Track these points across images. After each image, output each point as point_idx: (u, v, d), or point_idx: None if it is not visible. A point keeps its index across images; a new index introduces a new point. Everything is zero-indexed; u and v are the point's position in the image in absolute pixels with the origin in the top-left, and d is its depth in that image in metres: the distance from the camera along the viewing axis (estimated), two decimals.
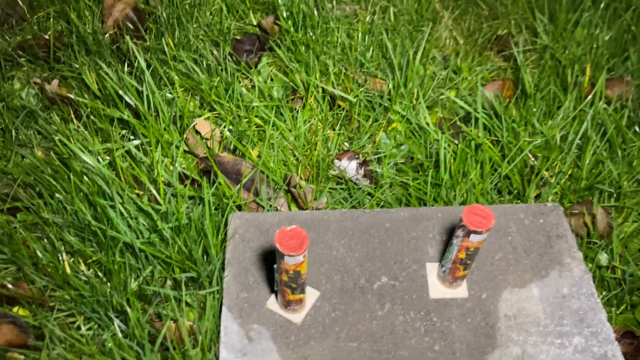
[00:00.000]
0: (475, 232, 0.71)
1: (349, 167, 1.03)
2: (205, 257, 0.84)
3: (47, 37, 1.13)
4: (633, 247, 0.97)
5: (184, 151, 1.00)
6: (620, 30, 1.23)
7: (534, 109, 1.00)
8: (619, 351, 0.78)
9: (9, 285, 0.79)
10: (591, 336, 0.80)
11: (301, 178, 0.99)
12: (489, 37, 1.28)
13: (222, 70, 1.07)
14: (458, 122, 0.99)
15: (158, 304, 0.80)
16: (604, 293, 0.90)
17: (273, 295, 0.82)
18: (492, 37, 1.28)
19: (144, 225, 0.82)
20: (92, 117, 0.95)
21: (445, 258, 0.80)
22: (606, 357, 0.78)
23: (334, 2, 1.26)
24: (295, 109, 1.06)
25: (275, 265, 0.72)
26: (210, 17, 1.24)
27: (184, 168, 0.97)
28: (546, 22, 1.21)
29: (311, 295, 0.83)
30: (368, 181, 1.03)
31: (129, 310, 0.72)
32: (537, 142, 0.94)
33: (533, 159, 0.98)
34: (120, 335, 0.74)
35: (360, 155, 1.04)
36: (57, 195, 0.85)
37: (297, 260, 0.69)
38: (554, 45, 1.15)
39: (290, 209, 0.97)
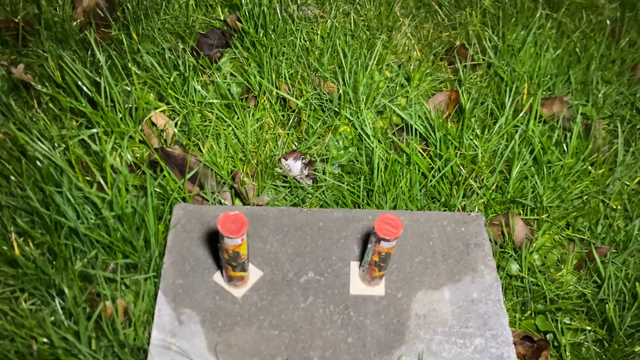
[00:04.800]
0: (385, 240, 0.78)
1: (294, 166, 1.09)
2: (146, 245, 0.91)
3: (16, 20, 1.18)
4: (550, 257, 1.06)
5: (139, 141, 1.06)
6: (567, 51, 1.30)
7: (470, 124, 1.07)
8: (514, 353, 0.87)
9: None
10: (491, 338, 0.88)
11: (247, 174, 1.06)
12: (444, 46, 1.34)
13: (181, 64, 1.12)
14: (390, 134, 1.06)
15: (99, 284, 0.87)
16: (514, 299, 0.98)
17: (219, 271, 0.90)
18: (447, 47, 1.34)
19: (89, 211, 0.89)
20: (51, 104, 1.01)
21: (363, 260, 0.88)
22: (502, 358, 0.86)
23: (298, 3, 1.31)
24: (249, 107, 1.12)
25: (218, 244, 0.80)
26: (179, 9, 1.29)
27: (137, 158, 1.03)
28: (495, 38, 1.28)
29: (254, 274, 0.91)
30: (311, 181, 1.10)
31: (66, 289, 0.79)
32: (464, 153, 1.01)
33: (462, 168, 1.05)
34: (60, 311, 0.81)
35: (307, 156, 1.11)
36: (11, 178, 0.91)
37: (235, 242, 0.76)
38: (499, 62, 1.22)
39: (233, 204, 1.04)
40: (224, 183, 1.04)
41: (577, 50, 1.30)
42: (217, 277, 0.90)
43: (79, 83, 1.02)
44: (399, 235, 0.78)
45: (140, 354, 0.83)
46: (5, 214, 0.87)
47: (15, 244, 0.85)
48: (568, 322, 0.95)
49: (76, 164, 0.94)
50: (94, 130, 1.01)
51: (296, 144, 1.14)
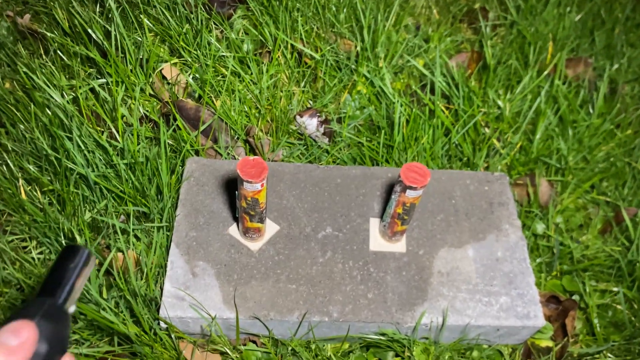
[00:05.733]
0: (411, 188, 0.74)
1: (310, 124, 1.06)
2: (158, 196, 0.87)
3: None
4: (574, 221, 1.02)
5: (150, 94, 1.02)
6: (590, 13, 1.26)
7: (493, 84, 1.03)
8: (541, 312, 0.83)
9: None
10: (517, 297, 0.85)
11: (261, 130, 1.02)
12: (462, 7, 1.30)
13: (193, 18, 1.08)
14: (414, 87, 1.02)
15: (109, 236, 0.83)
16: (537, 260, 0.95)
17: (235, 224, 0.86)
18: (466, 9, 1.30)
19: (100, 159, 0.85)
20: (59, 53, 0.97)
21: (385, 213, 0.84)
22: (528, 316, 0.83)
23: None
24: (263, 63, 1.08)
25: (236, 192, 0.76)
26: None
27: (147, 110, 0.99)
28: None
29: (271, 228, 0.87)
30: (327, 139, 1.06)
31: (77, 237, 0.75)
32: (488, 111, 0.97)
33: (486, 128, 1.01)
34: None
35: (323, 114, 1.07)
36: (18, 124, 0.87)
37: (255, 188, 0.72)
38: (521, 22, 1.17)
39: None
40: (238, 138, 1.01)
41: (602, 12, 1.26)
42: (233, 230, 0.87)
43: (89, 31, 0.98)
44: (426, 183, 0.74)
45: (152, 306, 0.79)
46: (12, 157, 0.83)
47: (22, 191, 0.81)
48: (595, 283, 0.92)
49: (85, 112, 0.90)
50: (104, 80, 0.97)
51: (311, 102, 1.10)
